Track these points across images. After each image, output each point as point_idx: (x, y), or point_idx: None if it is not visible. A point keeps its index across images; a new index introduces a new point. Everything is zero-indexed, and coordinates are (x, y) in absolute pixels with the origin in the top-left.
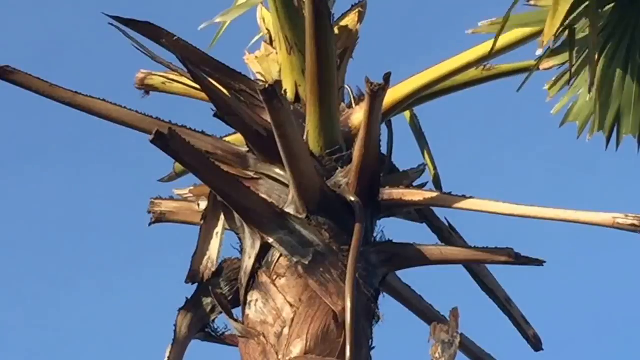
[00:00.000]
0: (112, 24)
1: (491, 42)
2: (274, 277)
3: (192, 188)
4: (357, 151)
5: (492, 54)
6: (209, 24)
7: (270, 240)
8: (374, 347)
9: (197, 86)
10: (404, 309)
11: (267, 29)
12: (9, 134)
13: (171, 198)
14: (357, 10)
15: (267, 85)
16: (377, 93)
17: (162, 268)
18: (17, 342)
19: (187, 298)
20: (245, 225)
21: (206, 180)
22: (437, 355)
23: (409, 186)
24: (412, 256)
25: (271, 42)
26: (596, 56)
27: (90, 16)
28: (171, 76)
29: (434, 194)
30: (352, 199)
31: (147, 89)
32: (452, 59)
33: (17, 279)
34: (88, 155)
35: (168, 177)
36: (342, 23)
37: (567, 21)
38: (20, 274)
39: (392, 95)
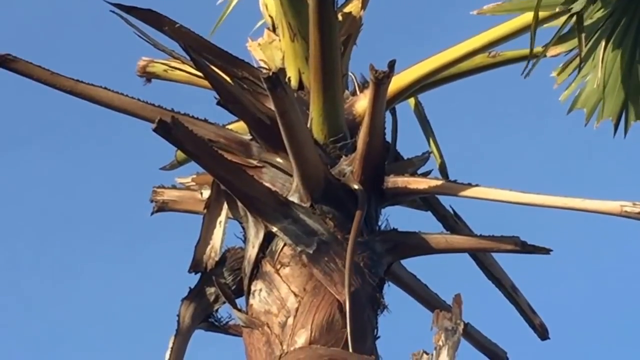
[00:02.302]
0: (113, 12)
1: (497, 28)
2: (278, 266)
3: (194, 176)
4: (361, 139)
5: (499, 40)
6: (222, 2)
7: (274, 229)
8: (379, 337)
9: (200, 74)
10: (410, 298)
11: (269, 16)
12: (12, 122)
13: (174, 187)
14: None
15: (270, 73)
16: (381, 81)
17: (165, 258)
18: (17, 334)
19: (190, 288)
20: (248, 214)
21: (209, 168)
22: (440, 342)
23: (413, 174)
24: (417, 245)
25: (274, 29)
26: (604, 42)
27: (91, 3)
28: (173, 64)
29: (439, 182)
30: (356, 187)
31: (148, 76)
32: (457, 45)
33: (18, 270)
34: (89, 144)
35: (170, 165)
36: (346, 9)
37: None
38: (22, 264)
39: (397, 82)
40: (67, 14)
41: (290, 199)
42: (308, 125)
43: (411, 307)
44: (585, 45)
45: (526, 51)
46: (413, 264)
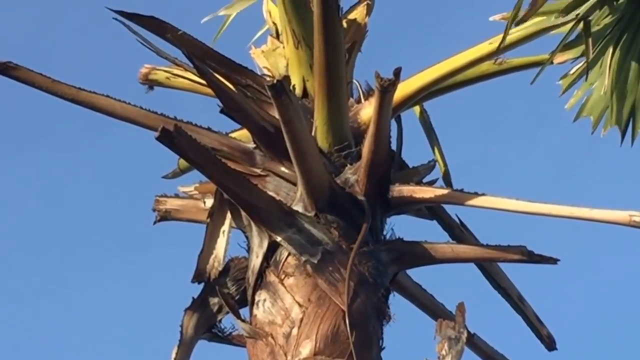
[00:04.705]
0: (116, 19)
1: (503, 35)
2: (282, 276)
3: (197, 185)
4: (366, 148)
5: (506, 47)
6: (213, 17)
7: (279, 238)
8: (384, 348)
9: (203, 81)
10: (416, 308)
11: (273, 23)
12: (14, 128)
13: (176, 195)
14: (365, 3)
15: (275, 81)
16: (387, 88)
17: (168, 267)
18: (17, 344)
19: (193, 298)
20: (252, 224)
21: (213, 177)
22: (443, 352)
23: (419, 183)
24: (423, 254)
25: (278, 36)
26: (611, 49)
27: (93, 10)
28: (175, 71)
29: (445, 191)
30: (363, 199)
31: (151, 84)
32: (463, 52)
33: (18, 278)
34: (91, 152)
35: (172, 174)
36: (351, 16)
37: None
38: (21, 273)
39: (402, 90)
40: (69, 21)
41: (295, 208)
42: (312, 134)
43: (417, 317)
44: (593, 52)
45: (533, 58)
46: (419, 274)
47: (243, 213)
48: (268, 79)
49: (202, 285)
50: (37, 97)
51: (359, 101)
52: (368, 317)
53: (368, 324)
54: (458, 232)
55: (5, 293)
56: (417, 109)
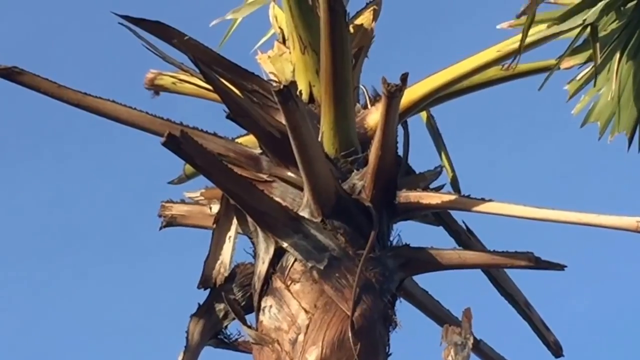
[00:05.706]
0: (122, 24)
1: (510, 40)
2: (289, 282)
3: (203, 191)
4: (373, 153)
5: (512, 53)
6: (220, 21)
7: (285, 244)
8: (390, 354)
9: (209, 86)
10: (422, 314)
11: (279, 28)
12: (18, 135)
13: (182, 201)
14: (372, 8)
15: (282, 86)
16: (394, 94)
17: (174, 273)
18: (24, 350)
19: (199, 304)
20: (258, 229)
21: (219, 183)
22: (450, 358)
23: (425, 189)
24: (430, 260)
25: (284, 41)
26: (618, 54)
27: (99, 15)
28: (181, 76)
29: (452, 197)
30: (369, 205)
31: (157, 89)
32: (470, 58)
33: (24, 285)
34: (96, 157)
35: (178, 180)
36: (357, 21)
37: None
38: (27, 279)
39: (409, 95)
40: (75, 26)
41: (301, 214)
42: (319, 139)
43: (423, 323)
44: (600, 58)
45: (540, 64)
46: (425, 280)
47: (249, 219)
48: (274, 84)
49: (208, 291)
50: (43, 102)
51: (365, 107)
52: (374, 323)
53: (374, 330)
54: (464, 238)
55: (11, 299)
56: (424, 114)
